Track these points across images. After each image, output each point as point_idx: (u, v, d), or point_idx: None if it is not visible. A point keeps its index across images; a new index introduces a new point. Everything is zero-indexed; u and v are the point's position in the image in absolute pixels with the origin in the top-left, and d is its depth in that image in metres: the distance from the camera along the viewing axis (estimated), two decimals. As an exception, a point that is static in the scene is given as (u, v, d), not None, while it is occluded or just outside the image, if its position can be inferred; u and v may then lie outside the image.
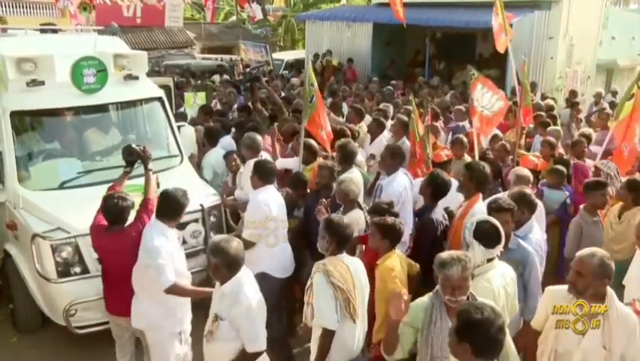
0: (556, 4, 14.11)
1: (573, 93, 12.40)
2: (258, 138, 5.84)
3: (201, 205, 5.21)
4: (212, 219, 5.39)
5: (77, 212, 4.89)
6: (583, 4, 15.02)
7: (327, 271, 3.40)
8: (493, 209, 3.95)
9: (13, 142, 5.20)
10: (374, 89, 12.20)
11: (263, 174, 4.78)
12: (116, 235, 4.08)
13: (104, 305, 4.69)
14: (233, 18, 26.73)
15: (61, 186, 5.27)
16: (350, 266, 3.53)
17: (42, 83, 5.21)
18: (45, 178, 5.29)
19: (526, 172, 5.20)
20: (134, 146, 4.72)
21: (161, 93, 6.18)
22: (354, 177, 5.32)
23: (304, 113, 5.90)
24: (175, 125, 6.24)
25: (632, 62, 19.98)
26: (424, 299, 3.15)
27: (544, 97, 11.91)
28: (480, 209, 4.44)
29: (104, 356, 5.01)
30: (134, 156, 4.67)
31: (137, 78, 5.80)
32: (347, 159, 5.60)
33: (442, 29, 15.90)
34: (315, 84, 5.89)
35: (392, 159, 5.42)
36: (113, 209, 4.08)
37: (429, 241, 4.45)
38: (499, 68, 15.44)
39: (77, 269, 4.76)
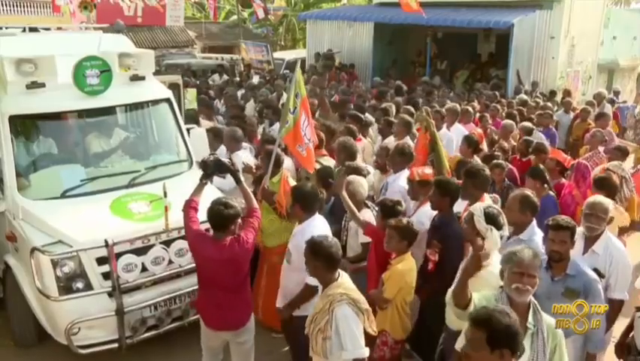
0: (558, 3, 14.12)
1: (568, 93, 12.50)
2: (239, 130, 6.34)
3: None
4: None
5: (80, 223, 4.59)
6: (584, 4, 15.03)
7: (353, 300, 3.25)
8: (551, 227, 3.59)
9: (12, 148, 4.88)
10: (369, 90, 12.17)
11: (306, 204, 4.26)
12: (229, 244, 3.78)
13: (108, 323, 4.44)
14: (234, 17, 26.73)
15: (64, 195, 4.92)
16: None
17: (42, 85, 4.91)
18: (46, 186, 4.96)
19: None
20: (223, 159, 4.31)
21: (169, 94, 5.83)
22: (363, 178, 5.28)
23: (281, 124, 5.31)
24: (184, 127, 5.88)
25: (633, 61, 20.01)
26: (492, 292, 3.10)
27: (542, 95, 11.98)
28: None
29: (104, 358, 4.87)
30: (222, 170, 4.27)
31: (143, 78, 5.49)
32: (351, 157, 5.60)
33: (444, 29, 15.92)
34: (304, 94, 5.32)
35: (400, 157, 5.54)
36: (224, 218, 3.76)
37: (458, 254, 4.26)
38: (496, 67, 15.48)
39: (80, 285, 4.43)
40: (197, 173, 5.50)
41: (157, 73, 5.93)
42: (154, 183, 4.98)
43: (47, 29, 7.12)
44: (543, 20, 14.15)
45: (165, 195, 4.53)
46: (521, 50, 14.06)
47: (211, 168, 4.18)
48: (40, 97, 4.95)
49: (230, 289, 3.86)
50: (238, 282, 3.89)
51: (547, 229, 3.65)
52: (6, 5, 19.23)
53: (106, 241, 4.39)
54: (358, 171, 5.18)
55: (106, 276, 4.49)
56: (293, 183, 5.25)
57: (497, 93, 11.44)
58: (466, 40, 16.69)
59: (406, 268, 4.05)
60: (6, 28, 6.37)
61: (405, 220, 4.13)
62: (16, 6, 19.73)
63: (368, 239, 4.60)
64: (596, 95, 11.77)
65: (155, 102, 5.75)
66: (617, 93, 13.96)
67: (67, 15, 16.03)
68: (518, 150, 7.08)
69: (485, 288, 3.21)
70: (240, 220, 3.87)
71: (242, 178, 4.31)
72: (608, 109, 10.69)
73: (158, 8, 20.66)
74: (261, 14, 21.20)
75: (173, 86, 8.65)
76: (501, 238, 3.58)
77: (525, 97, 11.21)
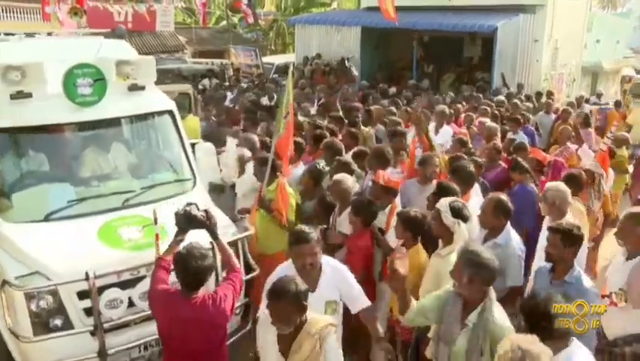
0: (541, 8, 14.42)
1: (550, 93, 12.82)
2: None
3: (211, 243, 4.15)
4: None
5: (61, 252, 4.05)
6: (567, 8, 15.34)
7: (334, 325, 3.15)
8: (547, 228, 3.74)
9: None
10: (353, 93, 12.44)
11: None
12: (201, 302, 3.24)
13: None
14: (225, 22, 26.93)
15: (47, 218, 4.37)
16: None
17: (29, 95, 4.41)
18: (28, 208, 4.42)
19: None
20: (194, 212, 3.66)
21: (171, 106, 5.26)
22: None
23: (276, 129, 5.23)
24: (188, 142, 5.31)
25: (616, 64, 20.38)
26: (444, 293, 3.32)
27: (527, 97, 12.26)
28: (473, 206, 4.54)
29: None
30: (194, 224, 3.65)
31: (142, 88, 4.93)
32: (337, 154, 5.75)
33: (430, 33, 16.18)
34: (291, 100, 5.25)
35: (375, 159, 5.58)
36: (195, 273, 3.24)
37: None
38: (483, 70, 15.74)
39: (58, 323, 3.91)
40: (200, 193, 5.02)
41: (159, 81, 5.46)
42: (150, 205, 4.41)
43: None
44: (527, 24, 14.46)
45: (156, 221, 3.97)
46: (505, 54, 14.34)
47: (182, 223, 3.62)
48: (26, 108, 4.44)
49: (204, 356, 3.32)
50: (213, 347, 3.34)
51: (549, 229, 3.74)
52: (3, 11, 19.25)
53: (87, 274, 3.85)
54: (347, 167, 5.30)
55: (88, 312, 3.97)
56: (290, 190, 5.23)
57: (481, 95, 11.69)
58: (453, 44, 16.96)
59: (422, 258, 4.10)
60: (5, 34, 5.95)
61: (412, 212, 4.21)
62: (6, 12, 19.77)
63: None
64: (577, 98, 12.09)
65: (156, 114, 5.22)
66: (599, 95, 14.27)
67: (57, 22, 16.06)
68: (504, 149, 7.30)
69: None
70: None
71: (218, 234, 3.74)
72: (587, 110, 10.97)
73: (147, 15, 20.79)
74: (250, 19, 21.42)
75: (183, 96, 7.96)
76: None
77: (502, 98, 11.47)
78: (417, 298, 4.10)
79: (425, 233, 4.21)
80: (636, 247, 3.84)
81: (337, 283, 3.51)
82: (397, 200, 4.98)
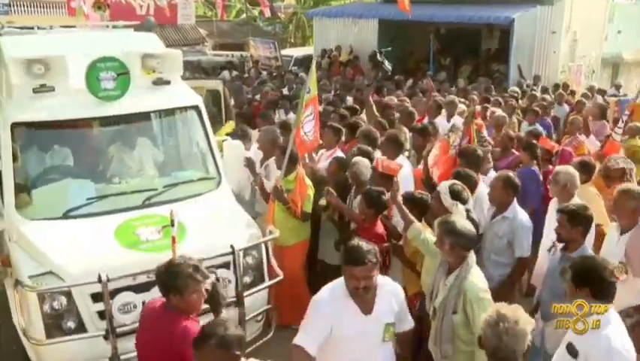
0: (559, -1, 14.37)
1: (566, 86, 12.82)
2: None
3: (232, 247, 3.99)
4: (248, 260, 4.33)
5: (77, 252, 3.91)
6: (587, -2, 15.24)
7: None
8: (559, 211, 3.96)
9: (13, 160, 4.28)
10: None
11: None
12: (168, 318, 2.99)
13: None
14: (245, 15, 27.20)
15: (66, 216, 4.26)
16: None
17: (52, 89, 4.32)
18: (47, 205, 4.31)
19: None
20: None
21: (197, 101, 5.07)
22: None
23: (297, 118, 5.20)
24: (214, 139, 5.12)
25: (638, 55, 20.06)
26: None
27: (544, 90, 12.28)
28: (481, 193, 4.76)
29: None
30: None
31: (168, 83, 4.77)
32: (372, 143, 5.87)
33: (446, 25, 16.20)
34: (314, 92, 5.22)
35: (392, 144, 5.73)
36: (161, 281, 3.04)
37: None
38: (500, 62, 15.70)
39: (71, 326, 3.78)
40: (224, 193, 4.88)
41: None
42: (172, 204, 4.27)
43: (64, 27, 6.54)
44: (544, 15, 14.40)
45: (172, 223, 3.82)
46: (522, 45, 14.31)
47: None
48: (48, 102, 4.36)
49: None
50: None
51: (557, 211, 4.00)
52: (23, 6, 19.75)
53: (99, 277, 3.65)
54: (367, 154, 5.39)
55: (102, 315, 3.80)
56: (309, 182, 5.21)
57: (493, 87, 11.77)
58: (470, 36, 16.95)
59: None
60: (38, 28, 5.83)
61: (417, 193, 4.51)
62: (33, 7, 20.29)
63: None
64: (588, 88, 12.08)
65: (181, 110, 5.04)
66: (618, 87, 14.15)
67: (82, 16, 16.49)
68: (518, 140, 7.42)
69: None
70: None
71: (222, 309, 3.26)
72: (600, 101, 10.97)
73: (168, 8, 21.13)
74: (267, 13, 21.65)
75: (213, 92, 7.79)
76: (467, 211, 3.97)
77: (517, 89, 11.52)
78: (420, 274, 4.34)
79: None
80: (629, 221, 4.06)
81: (393, 303, 3.18)
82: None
